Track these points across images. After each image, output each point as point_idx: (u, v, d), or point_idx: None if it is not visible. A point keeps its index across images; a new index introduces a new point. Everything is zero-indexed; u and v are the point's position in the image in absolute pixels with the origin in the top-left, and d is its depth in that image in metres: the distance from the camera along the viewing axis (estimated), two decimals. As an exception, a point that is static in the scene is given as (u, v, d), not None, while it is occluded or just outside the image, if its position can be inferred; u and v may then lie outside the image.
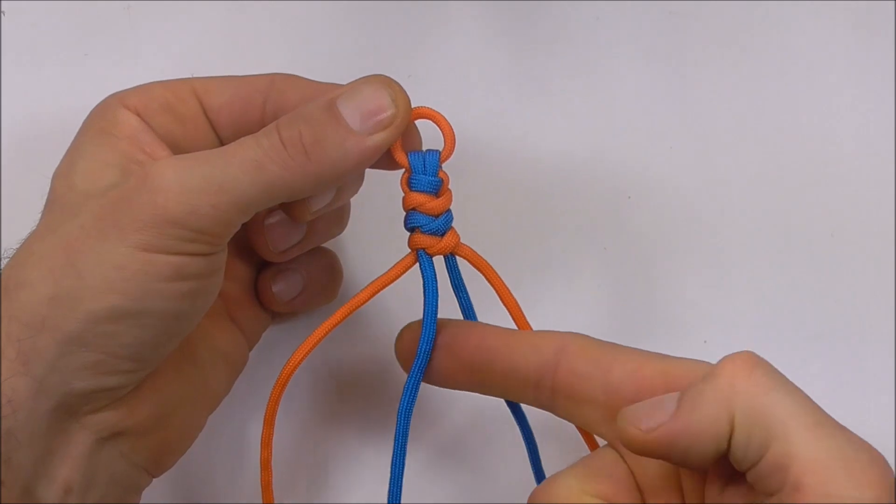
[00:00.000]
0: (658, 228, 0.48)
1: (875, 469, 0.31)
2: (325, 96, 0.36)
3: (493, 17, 0.50)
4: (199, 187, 0.34)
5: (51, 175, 0.38)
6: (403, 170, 0.39)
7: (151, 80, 0.40)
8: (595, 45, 0.50)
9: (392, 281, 0.39)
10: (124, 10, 0.50)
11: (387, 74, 0.38)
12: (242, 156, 0.35)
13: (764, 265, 0.48)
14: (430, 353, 0.38)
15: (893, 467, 0.46)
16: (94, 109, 0.39)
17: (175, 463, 0.39)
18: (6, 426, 0.33)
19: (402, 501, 0.39)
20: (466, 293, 0.40)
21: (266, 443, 0.40)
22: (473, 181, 0.47)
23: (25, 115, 0.48)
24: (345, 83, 0.38)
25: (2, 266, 0.36)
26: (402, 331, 0.40)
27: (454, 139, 0.38)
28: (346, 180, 0.39)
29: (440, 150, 0.39)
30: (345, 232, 0.45)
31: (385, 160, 0.38)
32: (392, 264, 0.39)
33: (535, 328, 0.40)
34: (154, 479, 0.39)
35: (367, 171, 0.40)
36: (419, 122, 0.39)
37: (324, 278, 0.45)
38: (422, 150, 0.39)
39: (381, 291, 0.39)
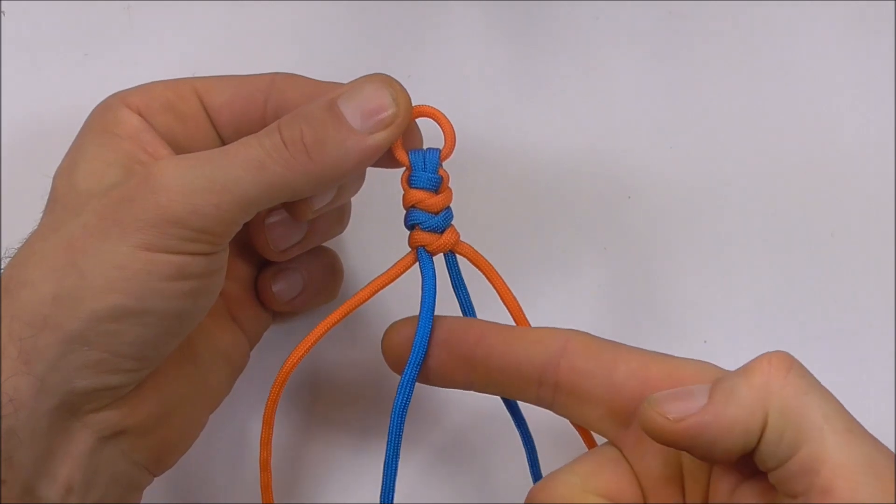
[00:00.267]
0: (658, 228, 0.48)
1: None
2: (327, 95, 0.36)
3: (493, 16, 0.50)
4: (201, 187, 0.34)
5: (52, 174, 0.38)
6: (404, 168, 0.39)
7: (152, 80, 0.40)
8: (595, 45, 0.50)
9: (392, 280, 0.39)
10: (124, 10, 0.50)
11: (387, 74, 0.38)
12: (244, 155, 0.35)
13: (764, 265, 0.48)
14: (425, 349, 0.38)
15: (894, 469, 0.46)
16: (95, 109, 0.39)
17: (176, 462, 0.39)
18: (8, 425, 0.33)
19: (398, 502, 0.39)
20: (466, 291, 0.40)
21: (265, 443, 0.40)
22: (473, 180, 0.47)
23: (25, 115, 0.48)
24: (345, 82, 0.38)
25: (3, 265, 0.36)
26: (388, 329, 0.40)
27: (454, 137, 0.38)
28: (348, 179, 0.39)
29: (440, 148, 0.39)
30: (345, 231, 0.45)
31: (386, 158, 0.38)
32: (392, 264, 0.39)
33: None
34: (154, 479, 0.39)
35: (368, 170, 0.40)
36: (419, 121, 0.39)
37: (324, 278, 0.45)
38: (422, 149, 0.39)
39: (382, 291, 0.39)
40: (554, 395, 0.37)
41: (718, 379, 0.34)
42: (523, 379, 0.37)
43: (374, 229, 0.46)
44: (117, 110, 0.38)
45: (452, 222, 0.39)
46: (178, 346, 0.37)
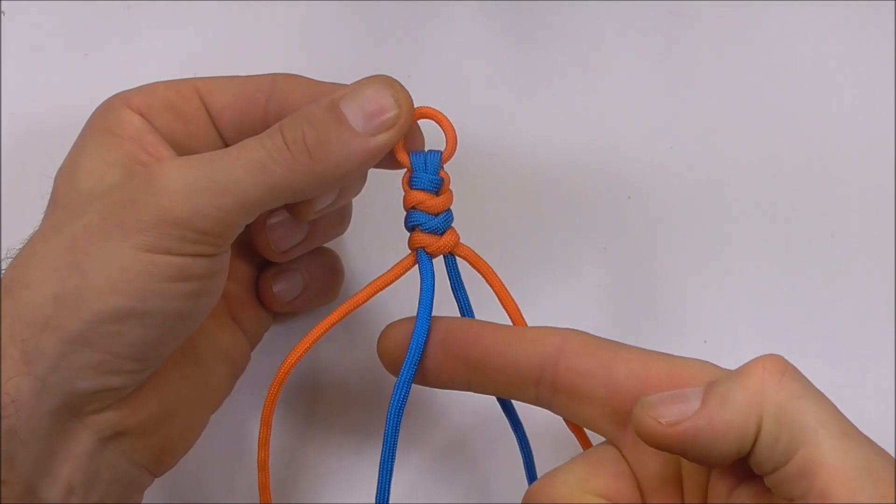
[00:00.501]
0: (658, 228, 0.48)
1: None
2: (329, 97, 0.36)
3: (493, 17, 0.50)
4: (203, 189, 0.34)
5: (52, 174, 0.38)
6: (405, 170, 0.39)
7: (152, 80, 0.40)
8: (595, 45, 0.50)
9: (392, 282, 0.39)
10: (124, 10, 0.50)
11: (387, 74, 0.38)
12: (246, 157, 0.35)
13: (764, 265, 0.48)
14: (422, 349, 0.38)
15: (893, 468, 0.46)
16: (97, 109, 0.39)
17: (177, 462, 0.39)
18: (9, 425, 0.33)
19: (395, 502, 0.39)
20: (465, 294, 0.40)
21: (263, 443, 0.40)
22: (472, 181, 0.47)
23: (26, 115, 0.48)
24: (346, 82, 0.38)
25: (4, 266, 0.36)
26: (384, 330, 0.39)
27: (456, 139, 0.38)
28: (350, 181, 0.39)
29: (442, 150, 0.39)
30: (346, 232, 0.45)
31: (387, 160, 0.38)
32: (392, 265, 0.39)
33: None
34: (155, 479, 0.39)
35: (369, 171, 0.40)
36: (421, 122, 0.39)
37: (325, 278, 0.45)
38: (424, 150, 0.39)
39: (381, 293, 0.39)
40: (553, 395, 0.37)
41: (712, 382, 0.33)
42: (521, 378, 0.37)
43: (374, 230, 0.46)
44: (119, 111, 0.38)
45: (452, 224, 0.39)
46: (179, 346, 0.37)
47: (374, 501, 0.38)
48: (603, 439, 0.37)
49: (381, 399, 0.46)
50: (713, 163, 0.49)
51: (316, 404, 0.46)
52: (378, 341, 0.39)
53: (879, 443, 0.46)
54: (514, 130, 0.49)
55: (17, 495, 0.34)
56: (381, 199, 0.43)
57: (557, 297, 0.47)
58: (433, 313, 0.39)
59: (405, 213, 0.39)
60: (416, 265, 0.39)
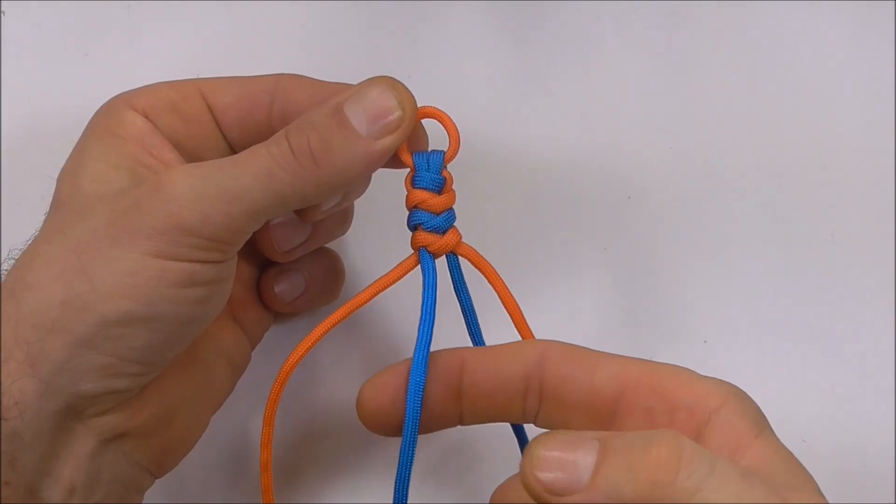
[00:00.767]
0: (658, 228, 0.48)
1: None
2: (332, 100, 0.36)
3: (494, 17, 0.50)
4: (212, 196, 0.35)
5: (52, 175, 0.38)
6: (408, 170, 0.39)
7: (152, 80, 0.40)
8: (595, 45, 0.50)
9: (394, 282, 0.39)
10: (124, 10, 0.50)
11: (387, 74, 0.38)
12: (255, 165, 0.35)
13: (764, 265, 0.48)
14: (427, 358, 0.37)
15: (893, 468, 0.46)
16: (100, 110, 0.39)
17: (178, 463, 0.39)
18: (13, 427, 0.33)
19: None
20: (468, 293, 0.40)
21: (266, 443, 0.40)
22: (472, 181, 0.47)
23: (26, 115, 0.48)
24: (347, 82, 0.38)
25: (7, 266, 0.36)
26: (364, 391, 0.37)
27: (459, 139, 0.38)
28: (356, 185, 0.39)
29: (444, 150, 0.39)
30: (347, 233, 0.45)
31: (391, 160, 0.38)
32: (393, 265, 0.39)
33: (534, 328, 0.40)
34: (156, 480, 0.39)
35: (372, 171, 0.40)
36: (423, 121, 0.39)
37: (326, 279, 0.45)
38: (427, 151, 0.39)
39: (383, 293, 0.39)
40: (539, 405, 0.36)
41: (610, 444, 0.30)
42: (510, 394, 0.36)
43: (375, 231, 0.46)
44: (121, 112, 0.38)
45: (455, 223, 0.39)
46: (184, 349, 0.37)
47: (372, 501, 0.38)
48: None
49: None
50: (713, 163, 0.49)
51: (317, 405, 0.46)
52: (359, 402, 0.38)
53: (879, 443, 0.47)
54: (514, 130, 0.49)
55: (18, 496, 0.34)
56: (382, 199, 0.43)
57: (557, 297, 0.47)
58: (436, 314, 0.38)
59: (408, 212, 0.39)
60: (419, 265, 0.39)
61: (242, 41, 0.50)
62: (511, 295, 0.39)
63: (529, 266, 0.47)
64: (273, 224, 0.41)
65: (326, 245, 0.45)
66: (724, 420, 0.33)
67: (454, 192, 0.39)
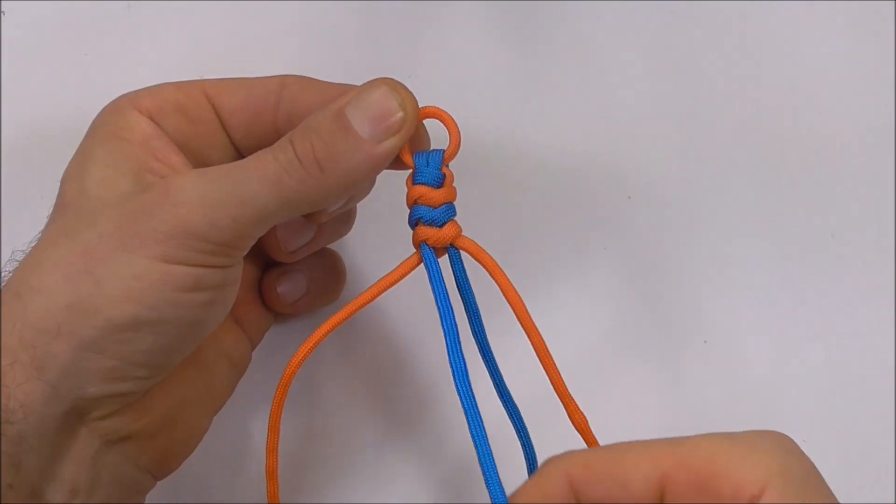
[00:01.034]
0: (658, 228, 0.48)
1: None
2: (334, 104, 0.36)
3: (494, 17, 0.50)
4: (220, 201, 0.35)
5: (52, 174, 0.38)
6: (409, 171, 0.39)
7: (152, 80, 0.40)
8: (595, 45, 0.50)
9: (397, 281, 0.39)
10: (124, 9, 0.50)
11: (388, 74, 0.37)
12: (262, 170, 0.35)
13: (764, 265, 0.48)
14: (460, 350, 0.36)
15: (893, 468, 0.46)
16: (104, 110, 0.39)
17: (180, 465, 0.39)
18: (18, 431, 0.33)
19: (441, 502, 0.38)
20: (470, 288, 0.40)
21: (272, 449, 0.39)
22: (473, 181, 0.47)
23: (26, 115, 0.48)
24: (347, 82, 0.38)
25: (11, 268, 0.36)
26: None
27: (459, 138, 0.38)
28: (361, 187, 0.39)
29: (444, 149, 0.38)
30: (347, 234, 0.45)
31: (392, 161, 0.38)
32: (395, 265, 0.39)
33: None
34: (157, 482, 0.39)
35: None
36: (424, 121, 0.39)
37: (328, 279, 0.45)
38: (427, 150, 0.39)
39: (384, 293, 0.39)
40: None
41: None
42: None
43: (374, 232, 0.46)
44: (127, 114, 0.38)
45: (454, 217, 0.39)
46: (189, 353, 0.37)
47: (373, 502, 0.38)
48: None
49: (383, 400, 0.46)
50: (713, 163, 0.49)
51: (318, 406, 0.46)
52: None
53: (880, 443, 0.47)
54: (514, 131, 0.49)
55: (22, 498, 0.34)
56: (381, 201, 0.43)
57: (557, 297, 0.47)
58: (448, 308, 0.38)
59: (409, 211, 0.39)
60: (421, 263, 0.39)
61: (242, 41, 0.50)
62: (513, 288, 0.38)
63: (529, 266, 0.47)
64: (279, 224, 0.41)
65: (328, 246, 0.45)
66: None
67: (454, 188, 0.39)
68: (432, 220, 0.38)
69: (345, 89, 0.38)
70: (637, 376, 0.46)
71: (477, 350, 0.40)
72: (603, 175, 0.49)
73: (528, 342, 0.38)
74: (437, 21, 0.50)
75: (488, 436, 0.44)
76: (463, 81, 0.49)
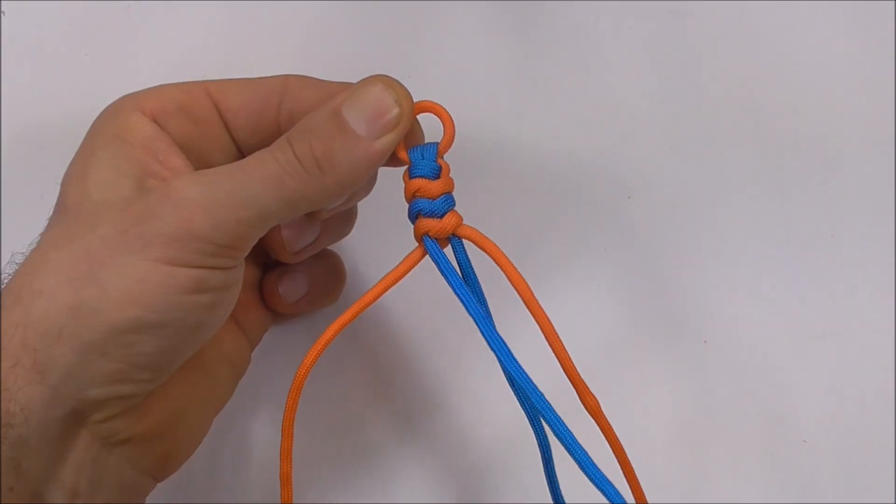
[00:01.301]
0: (658, 228, 0.48)
1: None
2: (329, 103, 0.36)
3: (494, 17, 0.50)
4: (223, 202, 0.35)
5: (52, 174, 0.38)
6: (405, 167, 0.38)
7: (152, 80, 0.40)
8: (595, 44, 0.50)
9: (402, 276, 0.38)
10: (124, 10, 0.50)
11: (387, 74, 0.37)
12: (263, 171, 0.35)
13: (764, 265, 0.48)
14: (495, 331, 0.37)
15: (893, 468, 0.46)
16: (106, 111, 0.39)
17: (180, 467, 0.39)
18: (19, 434, 0.33)
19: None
20: (475, 277, 0.39)
21: (286, 454, 0.39)
22: (472, 181, 0.47)
23: (25, 115, 0.48)
24: (352, 82, 0.38)
25: (10, 271, 0.36)
26: None
27: (454, 129, 0.38)
28: (361, 185, 0.39)
29: (438, 141, 0.38)
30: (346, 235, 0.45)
31: (388, 158, 0.38)
32: (393, 265, 0.39)
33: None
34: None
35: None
36: (420, 117, 0.39)
37: (328, 279, 0.45)
38: (422, 144, 0.39)
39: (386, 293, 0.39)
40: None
41: None
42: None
43: (373, 234, 0.46)
44: (129, 115, 0.38)
45: (454, 208, 0.38)
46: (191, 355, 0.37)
47: (376, 502, 0.38)
48: None
49: (384, 401, 0.46)
50: (713, 163, 0.49)
51: (320, 406, 0.46)
52: None
53: (880, 444, 0.47)
54: (514, 130, 0.49)
55: (22, 501, 0.34)
56: (379, 202, 0.43)
57: (557, 297, 0.47)
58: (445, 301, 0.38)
59: (408, 206, 0.38)
60: (425, 257, 0.38)
61: (242, 41, 0.50)
62: (518, 273, 0.38)
63: (529, 266, 0.47)
64: (284, 225, 0.41)
65: (327, 247, 0.45)
66: None
67: (452, 179, 0.39)
68: (432, 212, 0.38)
69: (347, 87, 0.38)
70: (637, 376, 0.46)
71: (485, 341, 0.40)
72: (603, 175, 0.49)
73: (535, 335, 0.37)
74: (436, 21, 0.50)
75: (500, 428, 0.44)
76: (462, 81, 0.49)
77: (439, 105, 0.38)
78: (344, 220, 0.43)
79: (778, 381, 0.47)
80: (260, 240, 0.40)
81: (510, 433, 0.45)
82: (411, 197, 0.38)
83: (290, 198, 0.35)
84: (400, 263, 0.39)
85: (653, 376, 0.47)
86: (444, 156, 0.39)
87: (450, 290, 0.38)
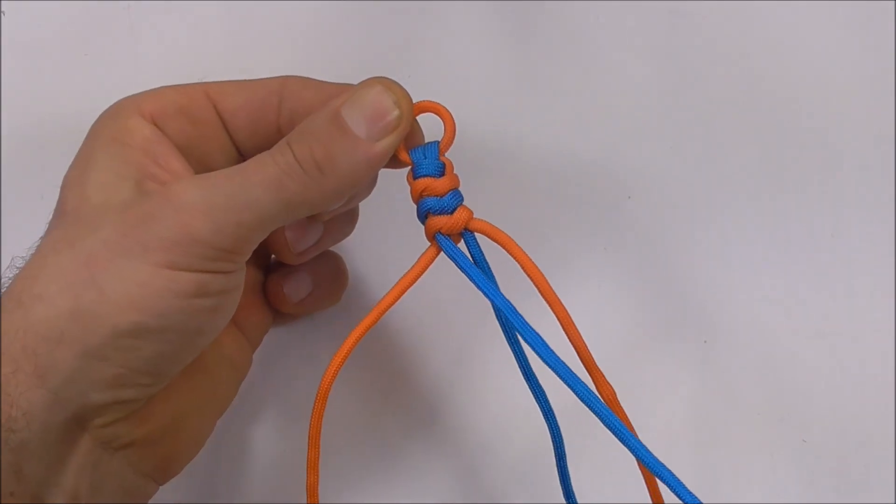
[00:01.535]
0: (658, 228, 0.48)
1: None
2: (329, 105, 0.36)
3: (494, 17, 0.50)
4: (223, 206, 0.35)
5: (52, 174, 0.38)
6: (408, 168, 0.38)
7: (152, 81, 0.40)
8: (595, 44, 0.50)
9: (418, 276, 0.38)
10: (124, 10, 0.50)
11: (387, 75, 0.37)
12: (262, 174, 0.35)
13: (764, 265, 0.48)
14: (525, 322, 0.37)
15: (893, 468, 0.46)
16: (105, 114, 0.39)
17: (182, 470, 0.39)
18: (20, 439, 0.33)
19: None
20: (490, 270, 0.39)
21: (312, 466, 0.39)
22: (472, 181, 0.47)
23: (26, 116, 0.48)
24: (351, 82, 0.38)
25: (11, 274, 0.36)
26: None
27: (454, 127, 0.38)
28: (361, 187, 0.39)
29: (439, 140, 0.38)
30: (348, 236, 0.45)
31: (389, 160, 0.38)
32: (394, 265, 0.39)
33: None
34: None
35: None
36: (421, 117, 0.39)
37: (332, 280, 0.45)
38: (422, 144, 0.39)
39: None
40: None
41: None
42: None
43: (372, 233, 0.46)
44: (128, 118, 0.38)
45: (463, 203, 0.38)
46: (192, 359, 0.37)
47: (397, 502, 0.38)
48: None
49: (385, 402, 0.46)
50: (713, 163, 0.49)
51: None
52: None
53: (880, 443, 0.47)
54: (514, 130, 0.49)
55: None
56: (378, 202, 0.43)
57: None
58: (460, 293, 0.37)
59: (416, 206, 0.38)
60: (439, 255, 0.38)
61: (242, 41, 0.50)
62: (533, 263, 0.38)
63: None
64: (288, 226, 0.41)
65: (329, 248, 0.45)
66: None
67: (457, 175, 0.39)
68: (442, 209, 0.38)
69: (346, 89, 0.38)
70: (637, 376, 0.46)
71: (502, 335, 0.40)
72: (603, 175, 0.49)
73: (546, 328, 0.37)
74: (436, 21, 0.50)
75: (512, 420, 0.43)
76: (462, 81, 0.49)
77: (437, 103, 0.38)
78: (346, 220, 0.43)
79: (778, 381, 0.47)
80: (263, 241, 0.40)
81: (522, 430, 0.45)
82: (418, 197, 0.38)
83: (291, 201, 0.35)
84: (415, 264, 0.38)
85: (653, 376, 0.47)
86: (445, 154, 0.39)
87: (452, 285, 0.38)
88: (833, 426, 0.46)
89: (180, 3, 0.50)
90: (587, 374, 0.38)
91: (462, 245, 0.39)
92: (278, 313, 0.44)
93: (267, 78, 0.40)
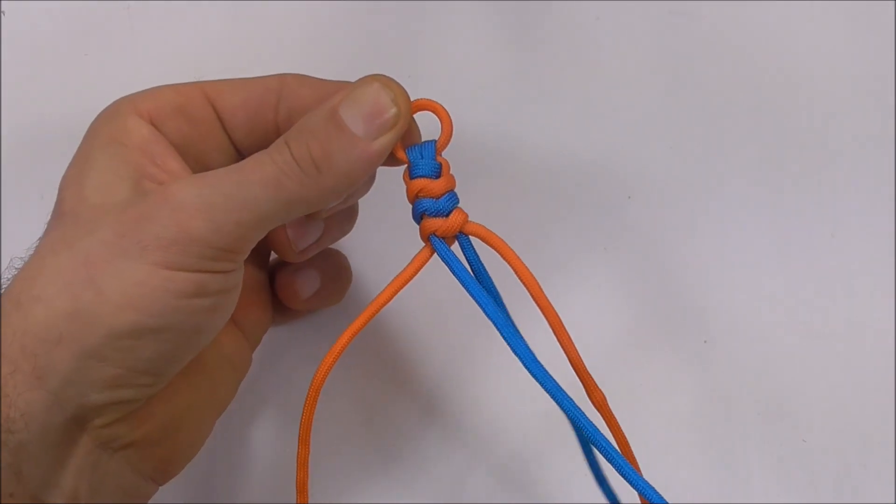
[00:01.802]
0: (658, 228, 0.48)
1: None
2: (326, 103, 0.36)
3: (494, 17, 0.50)
4: (221, 205, 0.34)
5: (51, 175, 0.38)
6: (404, 166, 0.38)
7: (152, 81, 0.40)
8: (595, 45, 0.50)
9: (411, 277, 0.38)
10: (124, 10, 0.50)
11: (387, 74, 0.37)
12: (260, 173, 0.35)
13: (764, 265, 0.48)
14: (516, 330, 0.37)
15: (893, 468, 0.46)
16: (103, 113, 0.39)
17: (181, 471, 0.39)
18: (19, 440, 0.33)
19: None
20: (487, 273, 0.39)
21: (302, 462, 0.39)
22: (472, 181, 0.47)
23: (26, 116, 0.48)
24: (352, 81, 0.38)
25: (9, 276, 0.36)
26: None
27: (451, 126, 0.38)
28: (359, 185, 0.39)
29: (436, 139, 0.38)
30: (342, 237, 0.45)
31: (386, 158, 0.38)
32: (393, 264, 0.39)
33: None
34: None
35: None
36: (418, 115, 0.39)
37: (337, 277, 0.45)
38: (420, 143, 0.39)
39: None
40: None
41: None
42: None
43: (372, 232, 0.46)
44: (125, 117, 0.38)
45: (458, 205, 0.38)
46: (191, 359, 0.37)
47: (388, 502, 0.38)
48: None
49: (385, 402, 0.46)
50: (713, 162, 0.49)
51: (323, 409, 0.46)
52: None
53: (880, 441, 0.47)
54: (514, 131, 0.49)
55: None
56: (377, 203, 0.43)
57: (556, 297, 0.47)
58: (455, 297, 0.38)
59: (411, 206, 0.38)
60: (433, 256, 0.38)
61: (242, 41, 0.50)
62: (527, 268, 0.38)
63: (529, 266, 0.47)
64: (289, 224, 0.41)
65: (331, 246, 0.45)
66: None
67: (453, 177, 0.39)
68: (437, 211, 0.38)
69: (344, 86, 0.38)
70: (637, 376, 0.46)
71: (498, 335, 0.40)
72: (603, 175, 0.49)
73: (541, 332, 0.38)
74: (436, 21, 0.50)
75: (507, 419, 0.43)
76: (462, 81, 0.49)
77: (435, 102, 0.38)
78: (346, 217, 0.43)
79: (778, 380, 0.47)
80: (264, 240, 0.40)
81: (521, 430, 0.45)
82: (414, 198, 0.38)
83: (289, 199, 0.35)
84: (408, 265, 0.38)
85: (653, 376, 0.47)
86: (443, 154, 0.39)
87: (450, 286, 0.38)
88: (833, 426, 0.46)
89: (180, 3, 0.50)
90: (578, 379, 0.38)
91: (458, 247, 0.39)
92: (278, 312, 0.44)
93: (264, 76, 0.40)
